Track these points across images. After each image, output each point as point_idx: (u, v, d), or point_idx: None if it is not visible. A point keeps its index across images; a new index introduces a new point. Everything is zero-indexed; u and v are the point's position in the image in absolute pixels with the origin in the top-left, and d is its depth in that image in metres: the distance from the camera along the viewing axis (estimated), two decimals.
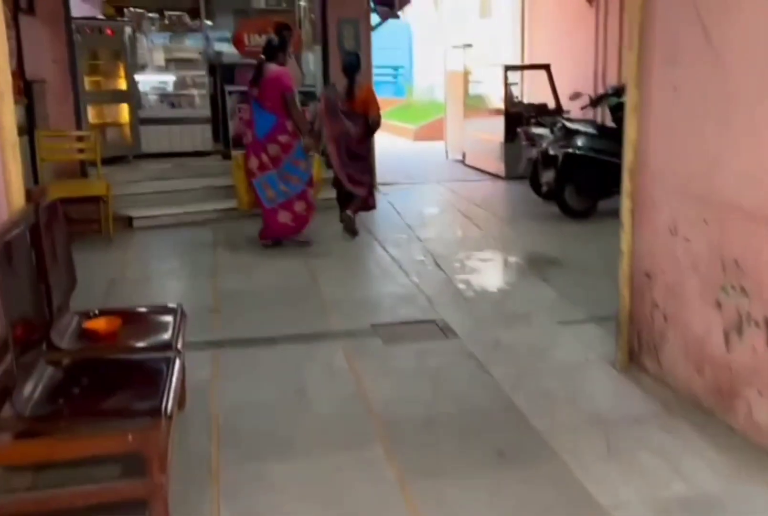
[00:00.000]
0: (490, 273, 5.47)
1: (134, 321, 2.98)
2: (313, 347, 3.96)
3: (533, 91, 10.54)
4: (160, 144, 8.16)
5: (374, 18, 8.57)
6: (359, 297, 4.80)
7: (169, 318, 2.98)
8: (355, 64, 6.03)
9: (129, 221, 6.73)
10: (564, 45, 9.85)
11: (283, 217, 5.76)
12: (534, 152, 7.36)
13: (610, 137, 6.56)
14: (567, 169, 6.46)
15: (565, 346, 3.90)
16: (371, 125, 6.11)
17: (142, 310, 3.18)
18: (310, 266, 5.46)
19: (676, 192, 3.20)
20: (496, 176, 9.20)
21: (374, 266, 5.58)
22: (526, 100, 9.77)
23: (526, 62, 11.07)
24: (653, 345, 3.45)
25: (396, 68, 19.87)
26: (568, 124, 6.61)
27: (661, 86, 3.24)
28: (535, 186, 7.52)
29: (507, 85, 8.96)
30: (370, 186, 6.54)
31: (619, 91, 7.19)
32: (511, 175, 8.85)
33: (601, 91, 8.97)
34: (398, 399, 3.34)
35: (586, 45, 9.37)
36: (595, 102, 7.48)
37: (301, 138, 5.66)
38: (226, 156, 8.31)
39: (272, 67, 5.51)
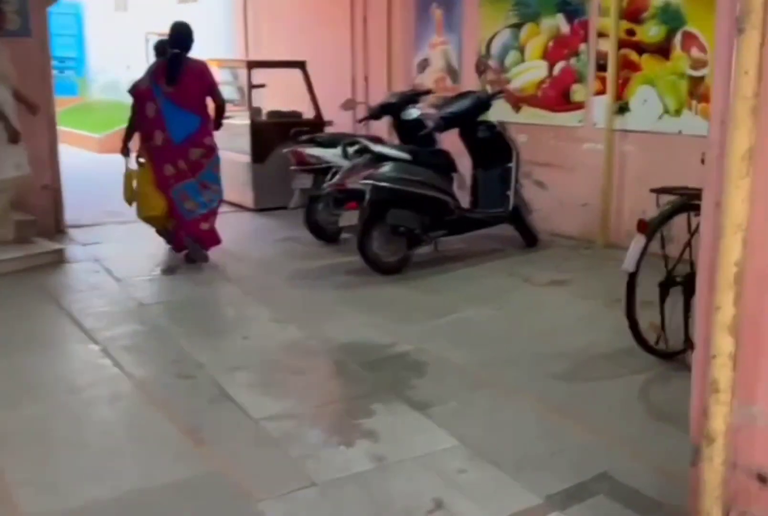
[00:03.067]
0: (329, 412, 3.33)
1: None
2: None
3: (262, 95, 8.53)
4: None
5: None
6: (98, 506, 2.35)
7: None
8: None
9: None
10: (307, 41, 7.98)
11: (205, 225, 5.04)
12: (311, 182, 5.45)
13: (428, 164, 4.89)
14: (377, 208, 4.61)
15: None
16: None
17: None
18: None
19: None
20: (241, 207, 6.94)
21: (121, 429, 3.07)
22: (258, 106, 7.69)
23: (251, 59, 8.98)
24: None
25: (62, 60, 16.31)
26: (375, 148, 4.76)
27: None
28: (314, 225, 5.61)
29: (251, 87, 6.79)
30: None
31: (408, 100, 5.60)
32: (262, 206, 6.74)
33: (362, 99, 7.37)
34: None
35: (339, 43, 7.62)
36: (377, 113, 5.78)
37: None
38: None
39: (191, 62, 4.87)
